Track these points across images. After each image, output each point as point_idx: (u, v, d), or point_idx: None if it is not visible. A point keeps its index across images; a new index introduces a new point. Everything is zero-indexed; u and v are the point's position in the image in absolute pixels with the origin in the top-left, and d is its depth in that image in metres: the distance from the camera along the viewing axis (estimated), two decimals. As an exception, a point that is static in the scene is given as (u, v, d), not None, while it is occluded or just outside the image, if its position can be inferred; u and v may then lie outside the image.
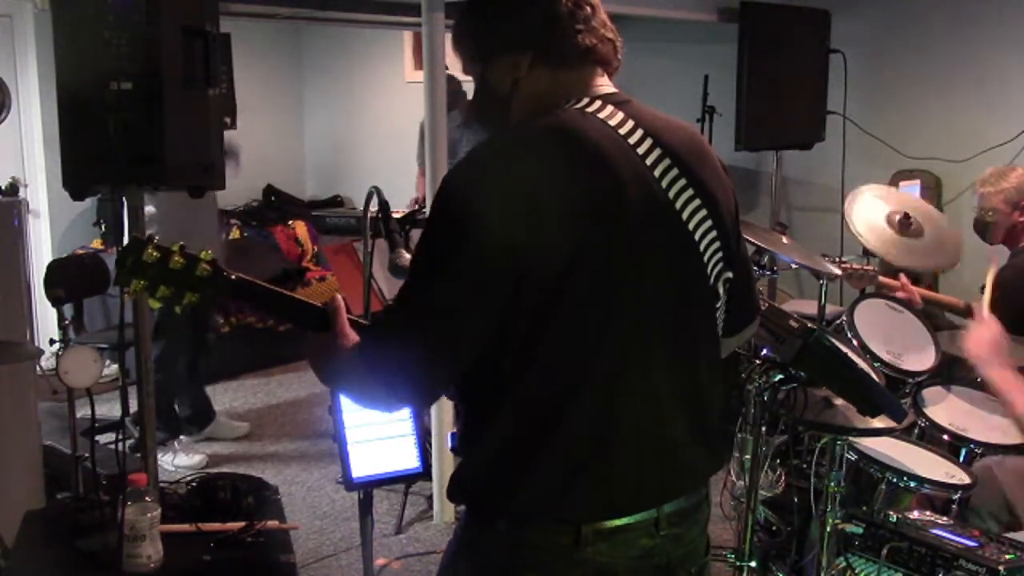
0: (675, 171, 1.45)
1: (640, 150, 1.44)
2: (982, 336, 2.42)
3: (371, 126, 7.55)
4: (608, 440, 1.41)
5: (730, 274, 1.55)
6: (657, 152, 1.45)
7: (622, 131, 1.44)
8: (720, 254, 1.51)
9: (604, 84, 1.52)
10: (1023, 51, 4.66)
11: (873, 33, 5.14)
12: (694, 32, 5.67)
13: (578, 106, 1.46)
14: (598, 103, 1.47)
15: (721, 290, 1.54)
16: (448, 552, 1.56)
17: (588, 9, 1.49)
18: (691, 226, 1.47)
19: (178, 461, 4.58)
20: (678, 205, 1.45)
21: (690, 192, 1.46)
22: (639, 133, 1.45)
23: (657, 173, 1.44)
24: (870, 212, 3.33)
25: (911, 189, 4.80)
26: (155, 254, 1.51)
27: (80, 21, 2.41)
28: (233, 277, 1.56)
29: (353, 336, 1.51)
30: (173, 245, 1.55)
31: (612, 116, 1.45)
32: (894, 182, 4.97)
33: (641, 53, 5.94)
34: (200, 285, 1.53)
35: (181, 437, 4.74)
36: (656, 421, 1.46)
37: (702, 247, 1.49)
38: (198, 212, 4.40)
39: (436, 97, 3.72)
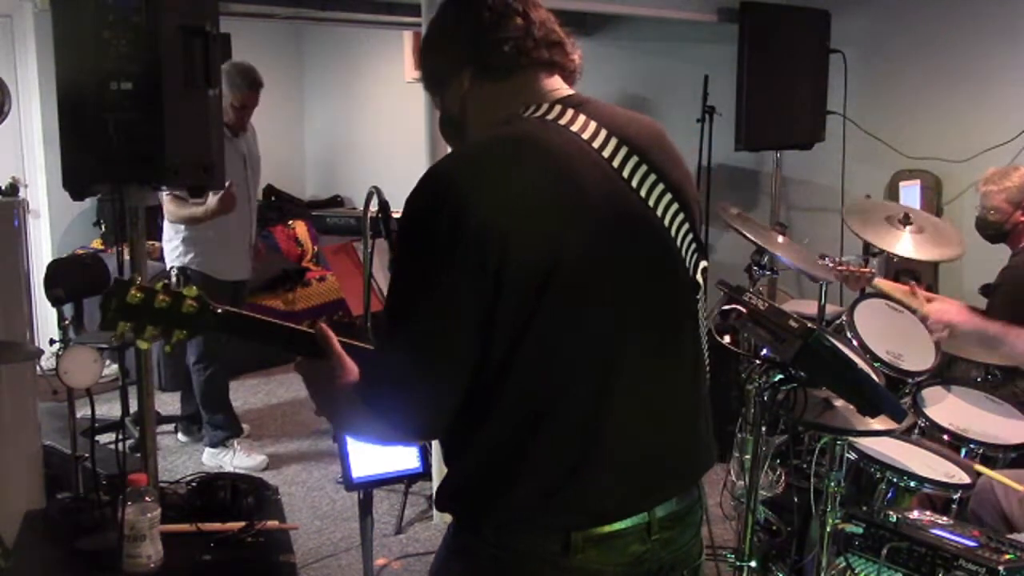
0: (644, 168, 1.45)
1: (606, 152, 1.43)
2: (946, 306, 2.56)
3: (371, 126, 7.55)
4: (594, 446, 1.40)
5: (705, 263, 1.55)
6: (624, 151, 1.44)
7: (585, 135, 1.43)
8: (694, 244, 1.51)
9: (559, 88, 1.51)
10: (1022, 51, 4.66)
11: (873, 33, 5.14)
12: (694, 32, 5.67)
13: (538, 114, 1.45)
14: (557, 108, 1.45)
15: (701, 280, 1.54)
16: (438, 557, 1.56)
17: (518, 19, 1.48)
18: (666, 221, 1.47)
19: (237, 462, 4.56)
20: (651, 202, 1.45)
21: (661, 187, 1.46)
22: (603, 135, 1.44)
23: (626, 173, 1.43)
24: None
25: (911, 189, 4.81)
26: (138, 295, 1.50)
27: (80, 21, 2.41)
28: (219, 311, 1.55)
29: (351, 364, 1.49)
30: (157, 284, 1.54)
31: (573, 120, 1.44)
32: (894, 182, 4.98)
33: (641, 53, 5.94)
34: (187, 322, 1.52)
35: (237, 439, 4.70)
36: (643, 424, 1.45)
37: (679, 240, 1.48)
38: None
39: (436, 97, 3.71)
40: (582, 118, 1.45)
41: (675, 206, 1.47)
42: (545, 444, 1.38)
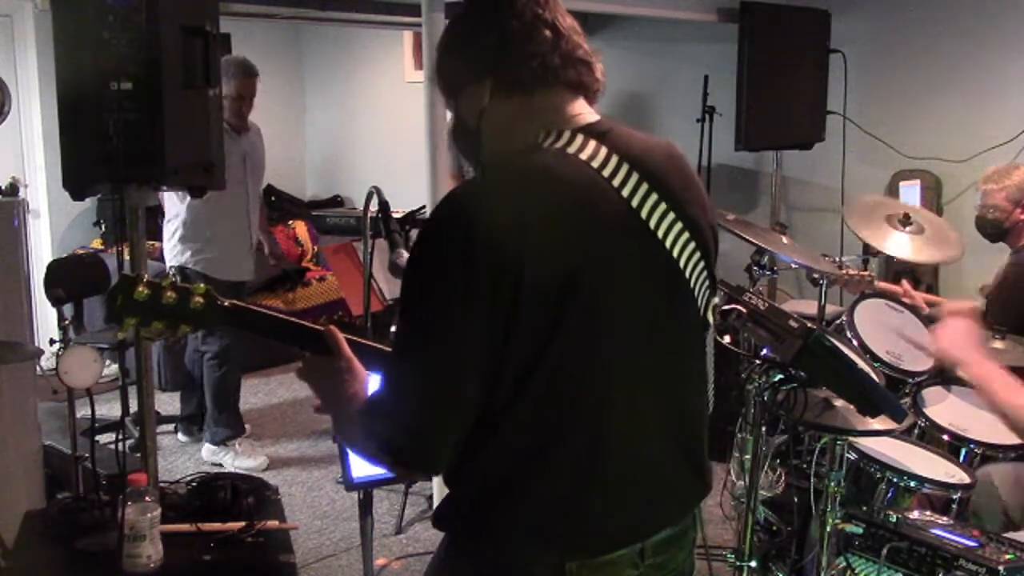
0: (662, 206, 1.42)
1: (625, 191, 1.40)
2: (954, 331, 2.25)
3: (371, 126, 7.55)
4: (595, 476, 1.40)
5: (717, 300, 1.55)
6: (643, 188, 1.41)
7: (605, 171, 1.39)
8: (707, 281, 1.50)
9: (582, 112, 1.47)
10: (1022, 51, 4.66)
11: (873, 33, 5.14)
12: (694, 32, 5.67)
13: (558, 145, 1.41)
14: (579, 139, 1.42)
15: (711, 317, 1.53)
16: (431, 568, 1.56)
17: (547, 32, 1.43)
18: (681, 262, 1.45)
19: (238, 463, 4.55)
20: (668, 243, 1.43)
21: (679, 226, 1.44)
22: (623, 170, 1.40)
23: (644, 213, 1.41)
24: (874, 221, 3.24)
25: (911, 189, 4.80)
26: (145, 291, 1.50)
27: (80, 21, 2.41)
28: (227, 305, 1.55)
29: (360, 370, 1.49)
30: (164, 280, 1.54)
31: (594, 155, 1.40)
32: (894, 182, 4.98)
33: (641, 53, 5.94)
34: (194, 317, 1.52)
35: (239, 439, 4.71)
36: (644, 455, 1.45)
37: (692, 280, 1.47)
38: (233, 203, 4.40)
39: (436, 97, 3.72)
40: (603, 151, 1.41)
41: (691, 245, 1.45)
42: (546, 473, 1.38)
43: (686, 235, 1.45)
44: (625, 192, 1.40)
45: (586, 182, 1.38)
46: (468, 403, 1.33)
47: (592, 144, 1.41)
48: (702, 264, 1.48)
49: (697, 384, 1.56)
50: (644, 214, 1.41)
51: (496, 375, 1.32)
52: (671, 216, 1.43)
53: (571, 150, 1.40)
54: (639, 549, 1.45)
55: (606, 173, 1.40)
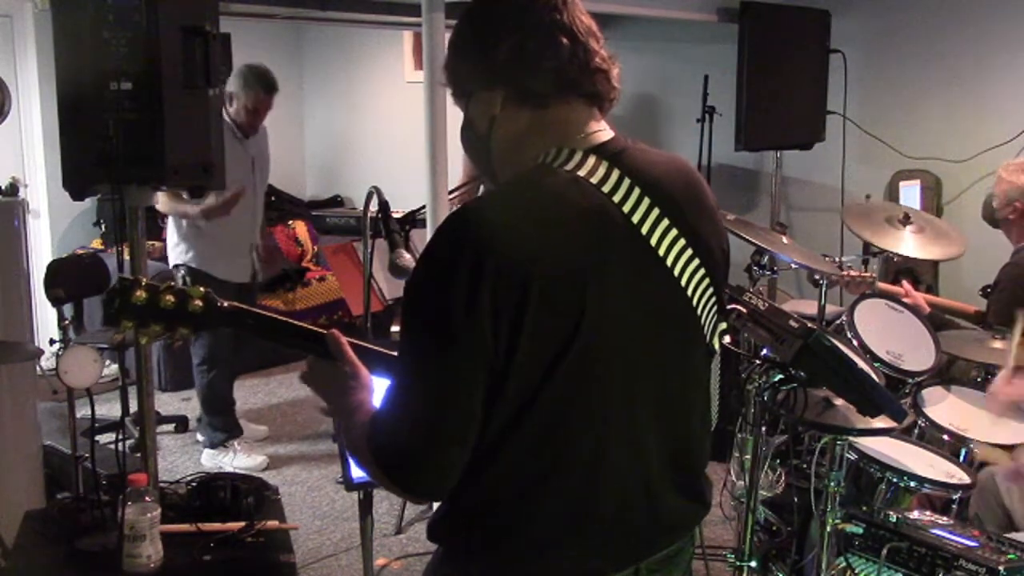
0: (673, 232, 1.40)
1: (635, 217, 1.37)
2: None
3: (371, 126, 7.55)
4: (594, 499, 1.39)
5: (724, 324, 1.53)
6: (654, 214, 1.38)
7: (615, 196, 1.36)
8: (715, 307, 1.49)
9: (597, 130, 1.43)
10: (1022, 51, 4.66)
11: (873, 33, 5.14)
12: (694, 32, 5.67)
13: (569, 166, 1.37)
14: (591, 161, 1.38)
15: (717, 344, 1.52)
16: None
17: (564, 39, 1.38)
18: (689, 290, 1.43)
19: (238, 463, 4.55)
20: (676, 269, 1.41)
21: (689, 252, 1.42)
22: (634, 195, 1.37)
23: (654, 240, 1.39)
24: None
25: (911, 189, 4.81)
26: (143, 295, 1.50)
27: (80, 21, 2.41)
28: (226, 307, 1.54)
29: (365, 376, 1.48)
30: (163, 283, 1.53)
31: (605, 178, 1.37)
32: (894, 182, 4.98)
33: (641, 53, 5.94)
34: (192, 320, 1.52)
35: (236, 440, 4.70)
36: (645, 481, 1.44)
37: (698, 305, 1.45)
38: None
39: (436, 97, 3.72)
40: (614, 174, 1.38)
41: (700, 271, 1.43)
42: (546, 495, 1.37)
43: (695, 261, 1.42)
44: (635, 218, 1.37)
45: (594, 206, 1.35)
46: (468, 420, 1.31)
47: (603, 167, 1.38)
48: (710, 290, 1.46)
49: (700, 411, 1.54)
50: (653, 241, 1.39)
51: (498, 394, 1.30)
52: (681, 242, 1.41)
53: (581, 172, 1.37)
54: (634, 570, 1.44)
55: (616, 198, 1.37)
